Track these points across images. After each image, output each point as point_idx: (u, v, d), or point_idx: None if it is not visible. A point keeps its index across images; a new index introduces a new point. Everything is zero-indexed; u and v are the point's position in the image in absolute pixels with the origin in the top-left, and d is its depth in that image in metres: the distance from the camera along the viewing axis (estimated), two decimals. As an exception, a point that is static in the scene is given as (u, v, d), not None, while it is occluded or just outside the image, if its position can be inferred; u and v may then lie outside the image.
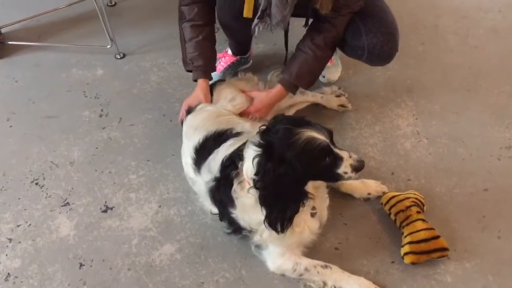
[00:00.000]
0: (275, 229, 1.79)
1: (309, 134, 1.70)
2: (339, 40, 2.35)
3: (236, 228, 2.03)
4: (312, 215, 1.94)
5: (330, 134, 1.77)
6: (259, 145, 1.75)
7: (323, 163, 1.74)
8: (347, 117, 2.66)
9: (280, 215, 1.77)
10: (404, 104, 2.72)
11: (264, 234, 1.91)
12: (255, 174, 1.75)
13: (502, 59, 3.00)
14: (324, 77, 2.83)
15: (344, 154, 1.76)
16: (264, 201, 1.76)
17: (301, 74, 2.32)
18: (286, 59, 2.55)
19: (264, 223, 1.80)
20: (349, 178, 1.80)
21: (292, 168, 1.69)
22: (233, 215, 1.95)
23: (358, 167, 1.78)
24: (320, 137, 1.71)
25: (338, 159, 1.76)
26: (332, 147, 1.75)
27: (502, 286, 1.94)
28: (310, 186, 1.83)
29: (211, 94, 2.41)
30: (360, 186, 2.24)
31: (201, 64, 2.38)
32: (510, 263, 2.01)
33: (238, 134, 2.06)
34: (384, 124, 2.62)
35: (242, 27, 2.31)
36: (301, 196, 1.78)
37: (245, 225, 1.96)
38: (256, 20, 2.18)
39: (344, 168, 1.76)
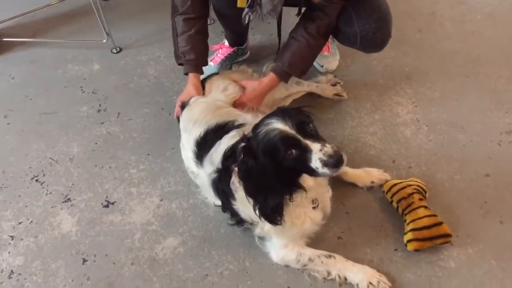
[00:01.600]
0: (267, 220, 1.79)
1: (272, 125, 1.65)
2: (332, 28, 2.34)
3: (239, 220, 2.04)
4: (314, 207, 1.93)
5: (300, 124, 1.65)
6: (244, 138, 1.77)
7: (289, 155, 1.63)
8: (346, 106, 2.65)
9: (263, 206, 1.75)
10: (403, 91, 2.72)
11: (265, 226, 1.90)
12: (237, 166, 1.77)
13: (500, 44, 3.00)
14: (322, 66, 2.82)
15: (314, 146, 1.62)
16: (247, 191, 1.76)
17: (293, 63, 2.31)
18: (279, 49, 2.53)
19: (255, 214, 1.79)
20: (324, 174, 1.65)
21: (256, 160, 1.67)
22: (235, 207, 1.95)
23: (329, 163, 1.61)
24: (282, 127, 1.64)
25: (307, 152, 1.63)
26: (301, 138, 1.63)
27: (505, 271, 1.94)
28: (308, 179, 1.79)
29: (203, 88, 2.39)
30: (363, 175, 2.24)
31: (193, 58, 2.36)
32: (512, 247, 2.02)
33: (240, 125, 2.04)
34: (383, 112, 2.61)
35: (236, 16, 2.29)
36: (283, 188, 1.75)
37: (246, 218, 1.96)
38: (246, 9, 2.16)
39: (315, 162, 1.63)
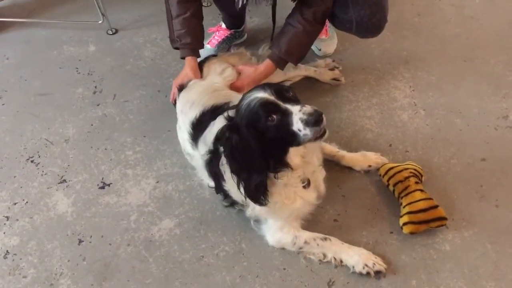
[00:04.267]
0: (251, 199, 1.79)
1: (252, 96, 1.65)
2: (329, 13, 2.32)
3: (232, 201, 2.04)
4: (304, 186, 1.91)
5: (279, 90, 1.64)
6: (228, 117, 1.77)
7: (271, 121, 1.62)
8: (343, 90, 2.64)
9: (247, 184, 1.74)
10: (400, 76, 2.71)
11: (256, 207, 1.90)
12: (221, 145, 1.77)
13: (498, 29, 2.98)
14: (320, 50, 2.81)
15: (294, 108, 1.60)
16: (231, 169, 1.77)
17: (290, 49, 2.29)
18: (273, 33, 2.52)
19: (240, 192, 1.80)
20: (306, 136, 1.61)
21: (240, 134, 1.67)
22: (226, 188, 1.96)
23: (309, 121, 1.58)
24: (261, 95, 1.63)
25: (287, 116, 1.61)
26: (280, 102, 1.62)
27: (500, 254, 1.95)
28: (295, 157, 1.78)
29: (201, 70, 2.38)
30: (361, 158, 2.24)
31: (189, 41, 2.33)
32: (508, 231, 2.02)
33: (235, 106, 2.03)
34: (381, 96, 2.60)
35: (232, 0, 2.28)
36: (268, 166, 1.73)
37: (237, 199, 1.96)
38: None
39: (296, 124, 1.60)
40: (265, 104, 1.62)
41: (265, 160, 1.72)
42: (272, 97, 1.63)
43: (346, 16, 2.27)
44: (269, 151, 1.71)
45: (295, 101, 1.66)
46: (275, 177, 1.78)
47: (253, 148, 1.67)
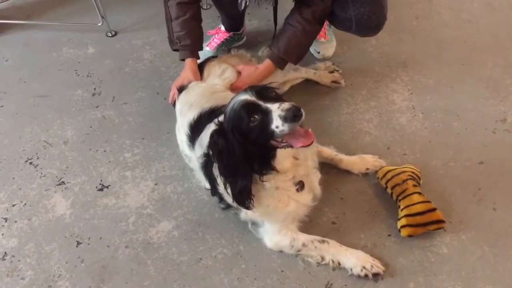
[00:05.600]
0: (237, 202, 1.80)
1: (236, 99, 1.68)
2: (328, 13, 2.33)
3: (228, 204, 2.04)
4: (297, 189, 1.92)
5: (260, 91, 1.67)
6: (218, 122, 1.78)
7: (253, 122, 1.64)
8: (342, 93, 2.65)
9: (233, 187, 1.76)
10: (399, 79, 2.71)
11: (248, 211, 1.90)
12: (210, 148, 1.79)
13: (496, 32, 2.99)
14: (319, 53, 2.81)
15: (273, 106, 1.62)
16: (220, 173, 1.79)
17: (289, 49, 2.30)
18: (275, 34, 2.52)
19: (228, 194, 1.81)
20: (283, 132, 1.61)
21: (226, 138, 1.69)
22: (220, 191, 1.96)
23: (286, 117, 1.58)
24: (243, 97, 1.66)
25: (268, 114, 1.62)
26: (261, 102, 1.64)
27: (497, 257, 1.96)
28: (284, 161, 1.79)
29: (201, 72, 2.39)
30: (358, 161, 2.24)
31: (189, 43, 2.35)
32: (505, 234, 2.03)
33: None
34: (379, 99, 2.61)
35: (232, 1, 2.28)
36: (253, 169, 1.74)
37: (231, 202, 1.95)
38: None
39: (276, 121, 1.61)
40: (246, 105, 1.65)
41: (250, 164, 1.73)
42: (252, 98, 1.65)
43: (346, 14, 2.28)
44: (254, 154, 1.72)
45: (276, 99, 1.67)
46: (260, 180, 1.78)
47: (237, 153, 1.69)
